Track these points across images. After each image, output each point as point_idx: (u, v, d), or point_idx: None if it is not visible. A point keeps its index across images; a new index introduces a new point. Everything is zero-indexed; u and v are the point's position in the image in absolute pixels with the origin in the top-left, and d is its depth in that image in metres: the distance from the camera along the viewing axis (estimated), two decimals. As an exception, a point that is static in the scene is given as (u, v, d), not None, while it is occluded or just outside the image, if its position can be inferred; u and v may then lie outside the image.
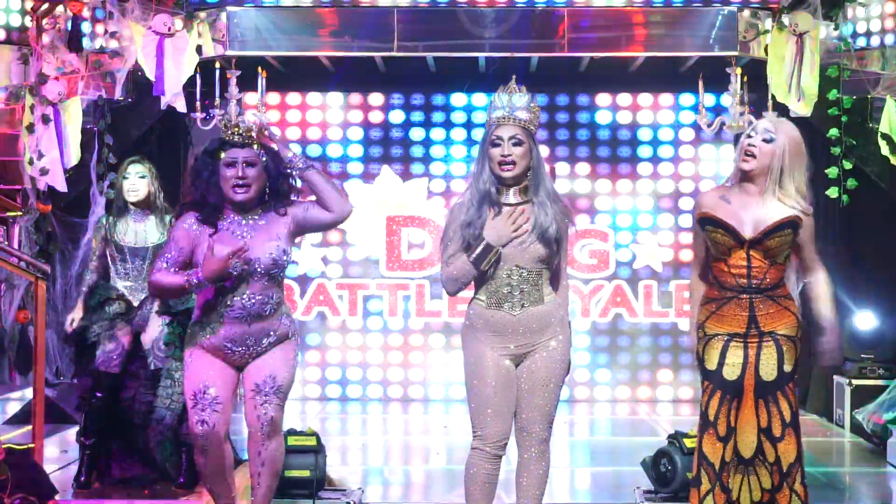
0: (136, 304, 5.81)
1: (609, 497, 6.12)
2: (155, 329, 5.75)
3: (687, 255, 9.52)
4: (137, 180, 5.76)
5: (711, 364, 4.28)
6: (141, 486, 5.84)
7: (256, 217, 4.37)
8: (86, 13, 7.72)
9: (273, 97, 9.37)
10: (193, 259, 4.31)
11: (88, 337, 5.74)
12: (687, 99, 9.52)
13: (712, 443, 4.25)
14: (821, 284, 4.36)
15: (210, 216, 4.32)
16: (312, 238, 9.54)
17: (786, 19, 7.84)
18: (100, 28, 7.85)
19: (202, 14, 7.99)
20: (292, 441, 5.56)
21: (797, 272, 4.38)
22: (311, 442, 5.64)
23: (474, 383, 4.17)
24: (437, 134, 9.69)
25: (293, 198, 4.45)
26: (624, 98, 9.63)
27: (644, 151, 9.63)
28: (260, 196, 4.37)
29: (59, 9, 7.61)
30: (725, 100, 8.71)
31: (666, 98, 9.60)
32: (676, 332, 9.48)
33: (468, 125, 9.64)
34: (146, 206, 5.80)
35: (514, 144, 4.12)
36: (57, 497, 5.18)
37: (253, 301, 4.29)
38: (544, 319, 4.15)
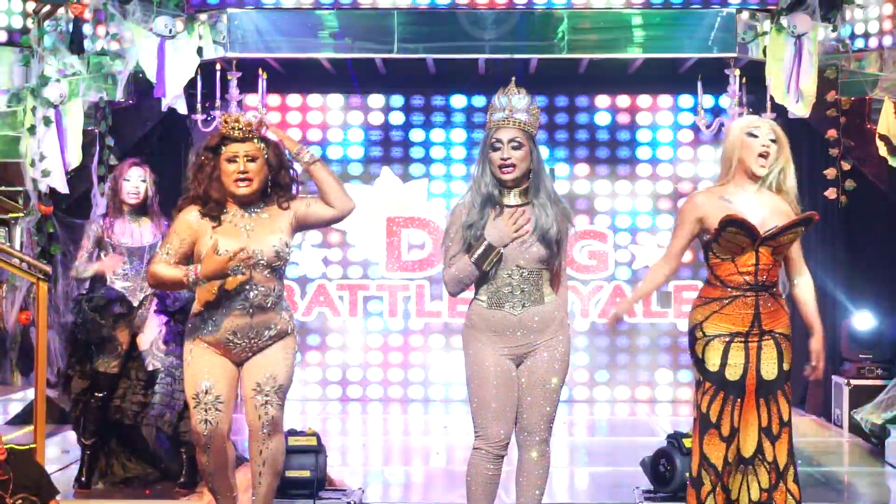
0: (136, 304, 5.83)
1: (608, 497, 6.13)
2: (152, 330, 5.78)
3: (686, 256, 9.49)
4: (140, 183, 5.80)
5: (713, 365, 4.29)
6: (142, 487, 5.86)
7: (258, 210, 4.39)
8: (87, 15, 7.74)
9: (273, 99, 9.39)
10: (195, 251, 4.33)
11: (91, 340, 5.76)
12: (686, 100, 9.54)
13: (715, 444, 4.26)
14: (810, 288, 4.41)
15: (212, 211, 4.34)
16: (313, 239, 9.56)
17: (784, 21, 7.86)
18: (101, 30, 7.87)
19: (203, 16, 8.01)
20: (293, 441, 5.58)
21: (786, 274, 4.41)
22: (312, 442, 5.65)
23: (475, 383, 4.19)
24: (437, 135, 9.71)
25: (294, 191, 4.47)
26: (623, 99, 9.65)
27: (643, 153, 9.65)
28: (262, 189, 4.39)
29: (61, 11, 7.63)
30: (724, 101, 8.74)
31: (665, 99, 9.62)
32: (675, 333, 9.50)
33: (468, 126, 9.66)
34: (142, 208, 5.83)
35: (514, 147, 4.14)
36: (58, 497, 5.20)
37: (255, 292, 4.31)
38: (545, 319, 4.17)
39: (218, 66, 8.04)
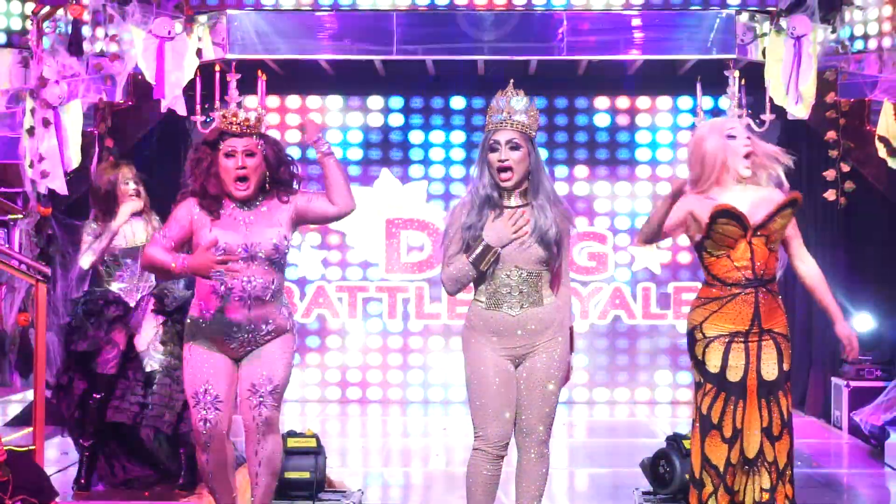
0: (132, 304, 5.82)
1: (608, 498, 6.14)
2: (149, 331, 5.77)
3: (685, 258, 9.55)
4: (137, 184, 5.81)
5: (713, 367, 4.28)
6: (142, 488, 5.86)
7: (258, 203, 4.39)
8: (86, 17, 7.74)
9: (273, 100, 9.39)
10: (193, 241, 4.34)
11: (91, 346, 5.76)
12: (685, 102, 9.54)
13: (716, 445, 4.25)
14: (818, 272, 4.40)
15: (209, 206, 4.34)
16: (312, 240, 9.56)
17: (783, 22, 7.87)
18: (100, 31, 7.87)
19: (202, 17, 8.02)
20: (292, 443, 5.57)
21: (788, 263, 4.40)
22: (311, 444, 5.64)
23: (475, 384, 4.19)
24: (437, 137, 9.71)
25: (295, 185, 4.47)
26: (622, 101, 9.66)
27: (642, 154, 9.66)
28: (260, 186, 4.39)
29: (60, 12, 7.63)
30: (723, 102, 8.72)
31: (664, 101, 9.63)
32: (675, 334, 9.50)
33: (467, 128, 9.66)
34: (138, 210, 5.84)
35: (512, 149, 4.14)
36: (58, 499, 5.19)
37: (254, 284, 4.31)
38: (544, 321, 4.17)
39: (217, 68, 8.04)
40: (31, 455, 5.28)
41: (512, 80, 4.23)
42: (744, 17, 8.09)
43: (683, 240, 9.83)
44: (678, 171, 9.63)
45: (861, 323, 8.26)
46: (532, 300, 4.15)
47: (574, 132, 9.68)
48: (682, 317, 9.34)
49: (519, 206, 4.17)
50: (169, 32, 7.68)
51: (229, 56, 8.08)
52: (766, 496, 4.24)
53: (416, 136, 9.70)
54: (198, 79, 7.94)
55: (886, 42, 7.84)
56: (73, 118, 7.57)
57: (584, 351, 9.57)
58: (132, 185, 5.80)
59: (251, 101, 8.48)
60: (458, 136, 9.68)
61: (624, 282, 9.60)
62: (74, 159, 7.56)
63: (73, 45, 7.52)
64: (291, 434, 5.66)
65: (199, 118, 7.82)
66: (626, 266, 9.62)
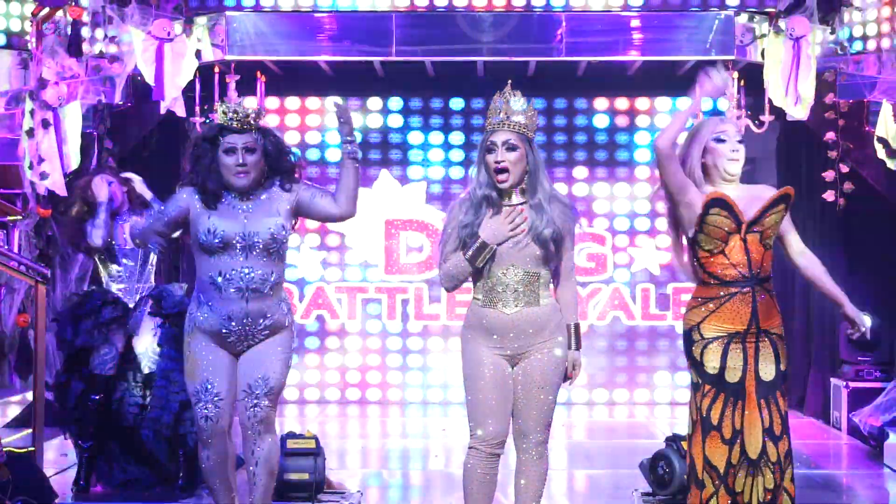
0: (131, 305, 5.82)
1: (607, 499, 6.14)
2: (147, 333, 5.77)
3: (684, 259, 9.52)
4: (108, 193, 5.80)
5: (712, 368, 4.27)
6: (141, 489, 5.86)
7: (257, 192, 4.39)
8: (85, 18, 7.74)
9: (272, 101, 9.39)
10: (192, 229, 4.35)
11: (86, 345, 5.76)
12: (684, 103, 9.51)
13: (717, 446, 4.25)
14: (817, 262, 4.40)
15: (207, 201, 4.34)
16: (311, 241, 9.56)
17: (782, 23, 7.88)
18: (99, 33, 7.87)
19: (201, 19, 8.03)
20: (291, 444, 5.57)
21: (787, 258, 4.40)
22: (310, 445, 5.64)
23: (470, 382, 4.20)
24: (436, 138, 9.71)
25: (297, 175, 4.46)
26: (621, 102, 9.66)
27: (641, 155, 9.66)
28: (260, 178, 4.39)
29: (59, 14, 7.63)
30: (723, 104, 8.75)
31: (663, 102, 9.63)
32: (674, 335, 9.50)
33: (466, 129, 9.67)
34: (136, 208, 5.84)
35: (508, 150, 4.14)
36: (57, 500, 5.20)
37: (252, 275, 4.31)
38: (539, 322, 4.17)
39: (216, 69, 8.05)
40: (30, 456, 5.29)
41: (510, 81, 4.24)
42: (743, 18, 8.10)
43: (682, 240, 9.87)
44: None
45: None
46: (527, 300, 4.15)
47: (573, 133, 9.69)
48: (681, 318, 9.32)
49: (520, 204, 4.18)
50: (168, 34, 7.68)
51: (228, 57, 8.09)
52: (769, 496, 4.24)
53: (415, 137, 9.71)
54: (197, 80, 7.95)
55: (885, 43, 7.85)
56: (72, 119, 7.57)
57: (584, 352, 9.49)
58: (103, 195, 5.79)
59: (250, 102, 8.49)
60: (458, 138, 9.69)
61: (623, 283, 9.61)
62: (74, 161, 7.56)
63: (73, 46, 7.53)
64: (291, 435, 5.66)
65: (198, 119, 7.83)
66: (625, 267, 9.63)
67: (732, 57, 8.10)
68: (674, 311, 9.52)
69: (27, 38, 7.69)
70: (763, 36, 8.01)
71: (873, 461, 7.04)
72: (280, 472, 5.25)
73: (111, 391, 5.78)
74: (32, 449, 5.53)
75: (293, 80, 9.28)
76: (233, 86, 8.05)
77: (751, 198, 4.27)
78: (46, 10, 7.58)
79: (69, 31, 7.55)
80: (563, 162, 9.64)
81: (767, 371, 4.27)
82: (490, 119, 4.21)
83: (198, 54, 7.86)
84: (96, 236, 5.78)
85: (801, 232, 4.47)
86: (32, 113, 7.46)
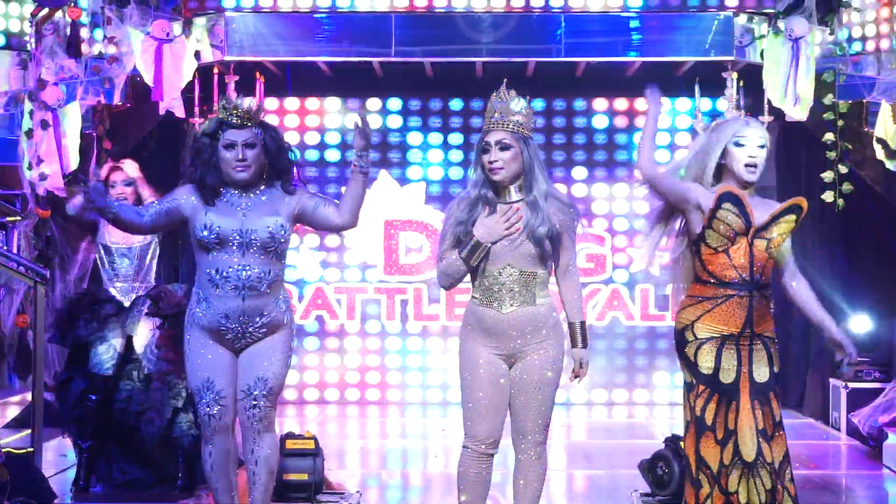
0: (127, 304, 5.82)
1: (606, 500, 6.15)
2: (146, 333, 5.77)
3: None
4: (123, 188, 5.77)
5: (706, 368, 4.27)
6: (141, 490, 5.86)
7: (258, 191, 4.39)
8: (84, 19, 7.75)
9: (271, 102, 9.39)
10: (190, 225, 4.34)
11: (80, 338, 5.76)
12: (683, 103, 9.54)
13: (711, 446, 4.25)
14: (808, 287, 4.40)
15: (206, 197, 4.35)
16: (310, 242, 9.56)
17: (781, 24, 7.89)
18: (98, 34, 7.88)
19: (200, 19, 8.03)
20: (291, 444, 5.58)
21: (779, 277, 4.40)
22: (310, 445, 5.65)
23: (466, 382, 4.20)
24: (435, 138, 9.72)
25: (294, 173, 4.45)
26: (620, 102, 9.66)
27: (641, 156, 9.65)
28: (259, 173, 4.39)
29: (58, 15, 7.64)
30: (721, 104, 8.75)
31: (662, 102, 9.60)
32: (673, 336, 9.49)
33: (465, 130, 9.67)
34: None
35: (502, 149, 4.15)
36: (56, 501, 5.20)
37: (249, 273, 4.30)
38: (535, 321, 4.16)
39: (215, 70, 8.05)
40: (29, 457, 5.29)
41: (505, 81, 4.24)
42: (742, 18, 8.11)
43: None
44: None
45: (859, 324, 8.28)
46: (523, 300, 4.14)
47: (572, 134, 9.69)
48: (680, 318, 9.33)
49: (518, 202, 4.18)
50: (167, 35, 7.69)
51: (227, 58, 8.09)
52: (768, 496, 4.24)
53: (414, 138, 9.71)
54: (196, 81, 7.95)
55: (884, 44, 7.86)
56: (71, 120, 7.58)
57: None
58: (116, 190, 5.76)
59: (250, 102, 8.48)
60: (457, 138, 9.69)
61: (622, 283, 9.61)
62: (73, 161, 7.57)
63: (72, 47, 7.53)
64: (290, 436, 5.66)
65: (197, 120, 7.83)
66: (624, 267, 9.63)
67: (731, 58, 8.11)
68: (673, 312, 9.49)
69: (26, 38, 7.70)
70: (762, 37, 8.02)
71: (872, 461, 7.04)
72: (279, 473, 5.25)
73: (112, 391, 5.78)
74: (31, 449, 5.53)
75: (292, 80, 9.28)
76: (232, 86, 8.05)
77: (763, 206, 4.27)
78: (45, 10, 7.59)
79: (68, 31, 7.56)
80: (562, 162, 9.64)
81: (761, 373, 4.27)
82: (486, 119, 4.23)
83: (197, 55, 7.87)
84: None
85: (801, 232, 4.47)
86: (31, 114, 7.46)
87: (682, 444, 5.37)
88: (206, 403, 4.37)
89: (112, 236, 5.79)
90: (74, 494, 5.80)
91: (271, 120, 9.39)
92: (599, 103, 9.67)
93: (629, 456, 6.62)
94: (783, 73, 7.79)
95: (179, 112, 7.85)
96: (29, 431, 6.03)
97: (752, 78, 8.18)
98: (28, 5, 7.76)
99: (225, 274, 4.30)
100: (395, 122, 9.71)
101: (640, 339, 9.63)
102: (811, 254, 8.64)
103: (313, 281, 9.64)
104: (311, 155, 9.64)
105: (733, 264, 4.23)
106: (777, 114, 8.05)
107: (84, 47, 7.75)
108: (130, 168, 5.91)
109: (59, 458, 6.77)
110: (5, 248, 7.32)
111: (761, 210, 4.27)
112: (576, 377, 4.27)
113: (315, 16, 8.24)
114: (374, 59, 8.50)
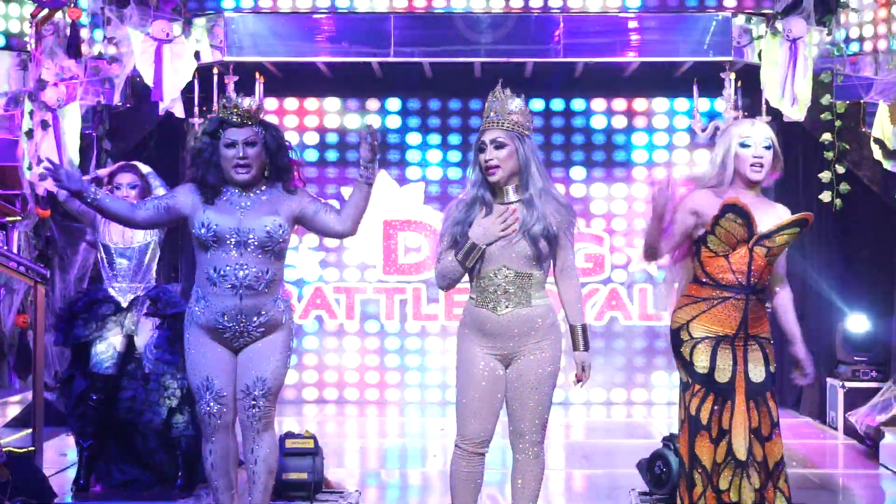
0: (125, 304, 5.83)
1: (604, 499, 6.16)
2: (147, 332, 5.79)
3: (682, 259, 9.55)
4: (129, 191, 5.78)
5: (701, 368, 4.29)
6: (140, 490, 5.87)
7: (258, 191, 4.40)
8: (84, 19, 7.77)
9: (270, 102, 9.41)
10: (189, 223, 4.35)
11: (80, 337, 5.78)
12: (681, 104, 9.56)
13: (705, 445, 4.27)
14: (790, 298, 4.44)
15: (206, 195, 4.36)
16: (310, 242, 9.58)
17: (779, 25, 7.91)
18: (98, 34, 7.90)
19: (200, 20, 8.05)
20: (290, 444, 5.59)
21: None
22: (309, 445, 5.66)
23: (460, 381, 4.23)
24: (434, 139, 9.73)
25: (295, 173, 4.46)
26: (619, 103, 9.68)
27: (639, 156, 9.68)
28: (260, 173, 4.40)
29: (58, 15, 7.66)
30: (720, 104, 8.77)
31: (660, 103, 9.65)
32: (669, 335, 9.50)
33: (464, 130, 9.69)
34: None
35: (497, 147, 4.16)
36: (56, 500, 5.22)
37: (246, 272, 4.31)
38: (531, 322, 4.16)
39: (215, 70, 8.07)
40: (30, 456, 5.30)
41: (501, 80, 4.26)
42: (740, 19, 8.13)
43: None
44: (674, 173, 9.66)
45: (856, 324, 8.30)
46: (518, 301, 4.15)
47: (571, 134, 9.71)
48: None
49: (512, 203, 4.19)
50: (167, 35, 7.71)
51: (227, 58, 8.11)
52: (757, 496, 4.26)
53: (413, 138, 9.73)
54: (195, 81, 7.97)
55: (882, 44, 7.88)
56: (71, 121, 7.60)
57: (581, 352, 9.56)
58: (122, 192, 5.77)
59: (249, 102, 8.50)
60: (456, 138, 9.71)
61: (620, 283, 9.63)
62: (73, 161, 7.58)
63: (72, 47, 7.55)
64: (289, 435, 5.68)
65: (196, 120, 7.85)
66: (622, 267, 9.65)
67: (729, 58, 8.14)
68: (671, 313, 9.52)
69: (26, 39, 7.71)
70: (760, 37, 8.04)
71: (869, 461, 7.06)
72: (279, 472, 5.26)
73: (115, 391, 5.78)
74: (32, 449, 5.55)
75: (291, 81, 9.30)
76: (231, 87, 8.07)
77: (771, 213, 4.28)
78: (45, 11, 7.60)
79: (68, 32, 7.58)
80: (561, 163, 9.66)
81: (757, 373, 4.29)
82: (483, 119, 4.25)
83: (196, 55, 7.88)
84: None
85: (798, 233, 4.47)
86: (31, 114, 7.48)
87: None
88: (205, 402, 4.39)
89: (112, 236, 5.80)
90: (75, 494, 5.80)
91: (271, 120, 9.45)
92: (598, 103, 9.69)
93: (627, 455, 6.64)
94: (781, 73, 7.82)
95: (179, 112, 7.87)
96: (29, 431, 6.04)
97: (750, 78, 8.21)
98: (28, 6, 7.78)
99: (222, 272, 4.31)
100: (393, 122, 9.73)
101: (638, 338, 9.65)
102: (808, 254, 8.66)
103: (312, 281, 9.66)
104: (311, 155, 9.66)
105: (732, 269, 4.25)
106: (775, 114, 8.07)
107: (84, 48, 7.77)
108: (139, 170, 5.90)
109: (59, 457, 6.78)
110: (5, 247, 7.33)
111: (766, 216, 4.27)
112: (578, 381, 4.26)
113: (314, 16, 8.26)
114: (373, 60, 8.52)
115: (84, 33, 7.81)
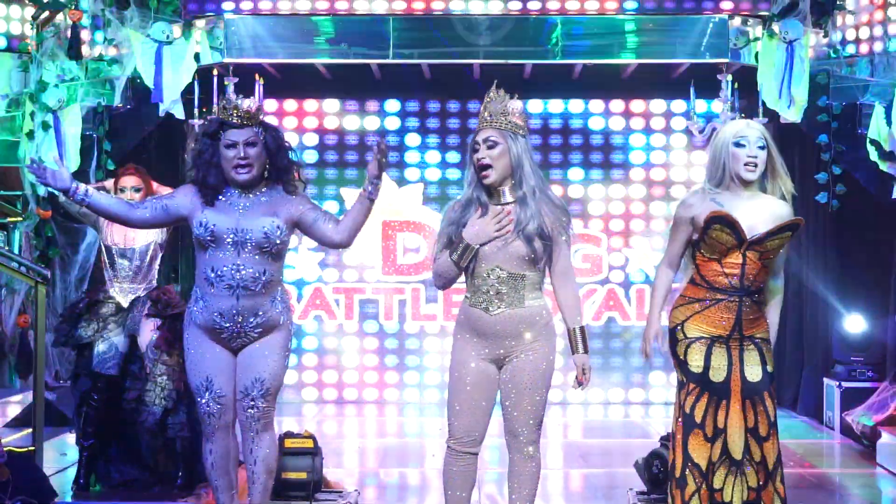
0: (125, 305, 5.86)
1: (602, 498, 6.18)
2: (148, 332, 5.81)
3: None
4: (133, 194, 5.80)
5: (696, 367, 4.31)
6: (140, 490, 5.89)
7: (259, 192, 4.41)
8: (85, 21, 7.79)
9: (270, 104, 9.43)
10: (189, 223, 4.37)
11: (82, 338, 5.80)
12: (678, 105, 9.59)
13: (699, 443, 4.28)
14: (780, 291, 4.43)
15: (206, 196, 4.37)
16: (309, 243, 9.59)
17: (776, 27, 7.95)
18: (99, 36, 7.92)
19: (200, 22, 8.08)
20: (289, 443, 5.60)
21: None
22: (308, 444, 5.67)
23: (451, 382, 4.25)
24: (433, 140, 9.76)
25: (295, 173, 4.47)
26: (616, 104, 9.70)
27: (636, 157, 9.71)
28: (261, 173, 4.42)
29: (59, 17, 7.69)
30: (716, 106, 8.81)
31: (658, 104, 9.68)
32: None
33: (463, 131, 9.71)
34: None
35: (489, 147, 4.18)
36: (56, 500, 5.23)
37: (242, 273, 4.32)
38: (524, 323, 4.16)
39: (215, 72, 8.10)
40: (30, 456, 5.32)
41: (496, 81, 4.28)
42: (736, 21, 8.16)
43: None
44: (671, 174, 9.70)
45: (852, 324, 8.33)
46: (510, 301, 4.15)
47: (569, 135, 9.74)
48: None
49: (508, 204, 4.21)
50: (167, 37, 7.73)
51: (227, 60, 8.14)
52: (752, 495, 4.28)
53: (412, 139, 9.76)
54: (196, 83, 8.00)
55: (878, 46, 7.92)
56: (72, 122, 7.62)
57: (579, 352, 9.58)
58: (126, 194, 5.79)
59: (249, 103, 8.52)
60: (454, 140, 9.74)
61: (618, 283, 9.66)
62: (73, 163, 7.61)
63: (73, 49, 7.58)
64: (288, 435, 5.69)
65: (197, 122, 7.87)
66: (620, 268, 9.68)
67: (726, 60, 8.17)
68: (669, 312, 9.54)
69: (28, 41, 7.74)
70: (757, 39, 8.07)
71: (866, 460, 7.09)
72: (278, 472, 5.28)
73: (119, 391, 5.80)
74: (32, 448, 5.57)
75: (291, 82, 9.32)
76: (231, 88, 8.10)
77: (765, 216, 4.26)
78: (47, 13, 7.63)
79: (69, 33, 7.60)
80: (559, 164, 9.69)
81: (754, 372, 4.30)
82: (478, 120, 4.28)
83: (196, 57, 7.91)
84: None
85: (791, 236, 4.49)
86: (32, 115, 7.51)
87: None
88: (205, 402, 4.40)
89: (114, 237, 5.83)
90: (75, 493, 5.82)
91: (270, 121, 9.48)
92: (595, 105, 9.71)
93: (625, 455, 6.66)
94: (778, 75, 7.85)
95: (179, 114, 7.90)
96: (29, 431, 6.06)
97: (746, 80, 8.23)
98: (29, 8, 7.81)
99: (220, 273, 4.32)
100: (392, 123, 9.76)
101: (636, 338, 9.67)
102: (805, 255, 8.70)
103: (312, 281, 9.69)
104: (310, 156, 9.68)
105: (725, 272, 4.27)
106: (771, 115, 8.10)
107: (85, 49, 7.80)
108: (143, 172, 5.93)
109: (59, 456, 6.80)
110: (6, 248, 7.36)
111: (758, 216, 4.27)
112: (580, 384, 4.24)
113: (313, 18, 8.30)
114: (372, 62, 8.55)
115: (85, 35, 7.84)
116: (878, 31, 7.90)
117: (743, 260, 4.25)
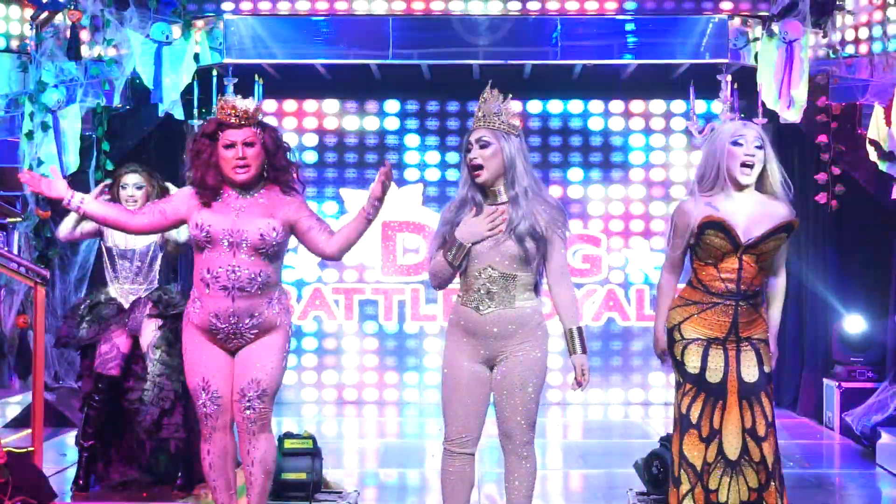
0: (126, 306, 5.86)
1: (602, 499, 6.18)
2: (149, 333, 5.81)
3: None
4: (135, 191, 5.80)
5: (692, 368, 4.31)
6: (139, 490, 5.89)
7: (256, 193, 4.40)
8: (84, 21, 7.80)
9: (269, 104, 9.44)
10: (190, 223, 4.37)
11: (82, 338, 5.80)
12: (678, 105, 9.60)
13: (694, 444, 4.29)
14: (782, 289, 4.43)
15: (205, 197, 4.37)
16: (308, 243, 9.59)
17: (775, 27, 7.95)
18: (98, 36, 7.92)
19: (200, 22, 8.08)
20: (289, 444, 5.61)
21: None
22: (308, 445, 5.67)
23: (445, 381, 4.25)
24: (432, 140, 9.77)
25: (293, 174, 4.46)
26: (616, 105, 9.71)
27: (636, 157, 9.71)
28: (259, 173, 4.42)
29: (58, 17, 7.69)
30: (716, 106, 8.81)
31: (657, 105, 9.69)
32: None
33: (462, 132, 9.71)
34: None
35: (482, 147, 4.18)
36: (56, 500, 5.23)
37: (238, 274, 4.31)
38: (514, 323, 4.16)
39: (214, 72, 8.10)
40: (29, 456, 5.32)
41: (490, 82, 4.29)
42: (736, 21, 8.17)
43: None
44: (671, 174, 9.70)
45: (852, 324, 8.33)
46: (501, 302, 4.15)
47: (568, 136, 9.74)
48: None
49: (502, 203, 4.21)
50: (166, 37, 7.74)
51: (226, 60, 8.15)
52: (754, 495, 4.28)
53: (411, 140, 9.76)
54: (195, 83, 8.00)
55: (877, 47, 7.92)
56: (71, 122, 7.62)
57: (579, 353, 9.58)
58: (128, 192, 5.79)
59: (248, 103, 8.53)
60: (454, 140, 9.74)
61: (617, 284, 9.66)
62: (73, 163, 7.62)
63: (72, 49, 7.58)
64: (288, 435, 5.69)
65: (196, 122, 7.88)
66: (619, 268, 9.68)
67: (726, 60, 8.17)
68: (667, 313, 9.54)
69: (27, 41, 7.74)
70: (756, 39, 8.07)
71: (866, 461, 7.09)
72: (277, 472, 5.28)
73: (122, 392, 5.80)
74: (32, 449, 5.56)
75: (290, 83, 9.32)
76: (231, 89, 8.11)
77: (760, 215, 4.25)
78: (46, 13, 7.63)
79: (68, 34, 7.61)
80: (559, 164, 9.69)
81: (750, 373, 4.30)
82: (473, 120, 4.28)
83: (196, 57, 7.91)
84: (60, 228, 5.89)
85: (794, 234, 4.49)
86: (32, 116, 7.51)
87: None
88: (202, 403, 4.40)
89: (114, 238, 5.83)
90: (74, 493, 5.82)
91: (269, 122, 9.48)
92: (595, 105, 9.72)
93: (625, 455, 6.66)
94: (777, 75, 7.85)
95: (178, 114, 7.90)
96: (29, 431, 6.06)
97: (746, 80, 8.24)
98: (28, 8, 7.81)
99: (215, 274, 4.31)
100: (392, 124, 9.76)
101: (635, 339, 9.68)
102: (805, 255, 8.70)
103: (311, 282, 9.69)
104: (309, 157, 9.69)
105: (721, 277, 4.28)
106: (771, 116, 8.10)
107: (84, 49, 7.80)
108: (145, 171, 5.93)
109: (59, 457, 6.81)
110: (6, 249, 7.36)
111: (754, 218, 4.25)
112: (579, 385, 4.23)
113: (313, 19, 8.30)
114: (372, 62, 8.56)
115: (84, 35, 7.84)
116: (877, 31, 7.90)
117: (739, 264, 4.25)
